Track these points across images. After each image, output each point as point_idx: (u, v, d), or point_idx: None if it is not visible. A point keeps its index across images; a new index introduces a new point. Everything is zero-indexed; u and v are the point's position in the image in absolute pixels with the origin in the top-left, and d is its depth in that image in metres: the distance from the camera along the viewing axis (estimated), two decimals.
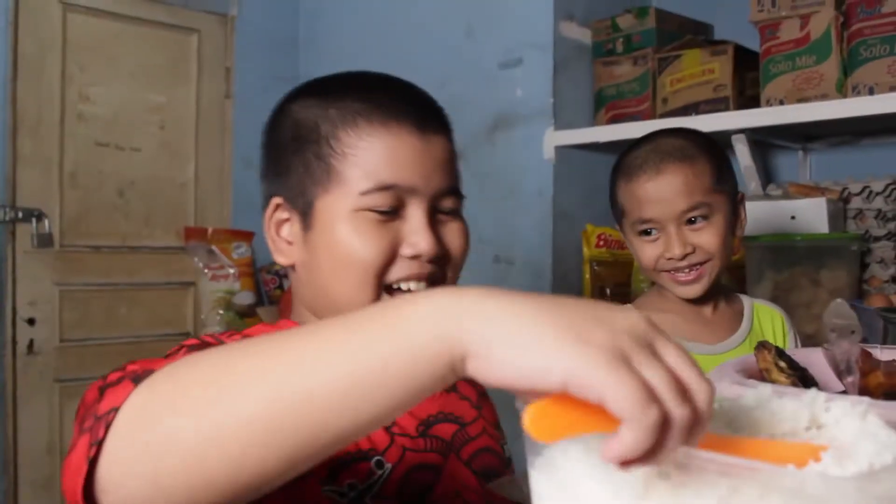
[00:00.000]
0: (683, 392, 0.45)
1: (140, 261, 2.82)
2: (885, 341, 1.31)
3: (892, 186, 1.99)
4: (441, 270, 0.91)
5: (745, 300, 1.45)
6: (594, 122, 2.42)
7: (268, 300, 3.00)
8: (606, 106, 2.38)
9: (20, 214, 2.54)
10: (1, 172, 2.51)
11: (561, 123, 2.38)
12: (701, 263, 1.31)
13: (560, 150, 2.37)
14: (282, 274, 3.03)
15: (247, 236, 3.00)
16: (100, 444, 0.56)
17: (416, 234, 0.88)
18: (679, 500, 0.45)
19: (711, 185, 1.31)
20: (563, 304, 0.48)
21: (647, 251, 1.34)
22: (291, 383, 0.51)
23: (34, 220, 2.55)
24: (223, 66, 3.02)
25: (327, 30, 3.10)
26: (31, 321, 2.57)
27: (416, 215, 0.89)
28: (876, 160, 2.14)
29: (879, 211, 2.00)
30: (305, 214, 0.90)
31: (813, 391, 0.56)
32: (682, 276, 1.32)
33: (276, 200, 0.93)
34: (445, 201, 0.92)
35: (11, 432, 2.53)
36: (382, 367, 0.49)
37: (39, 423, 2.59)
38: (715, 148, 1.37)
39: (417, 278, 0.89)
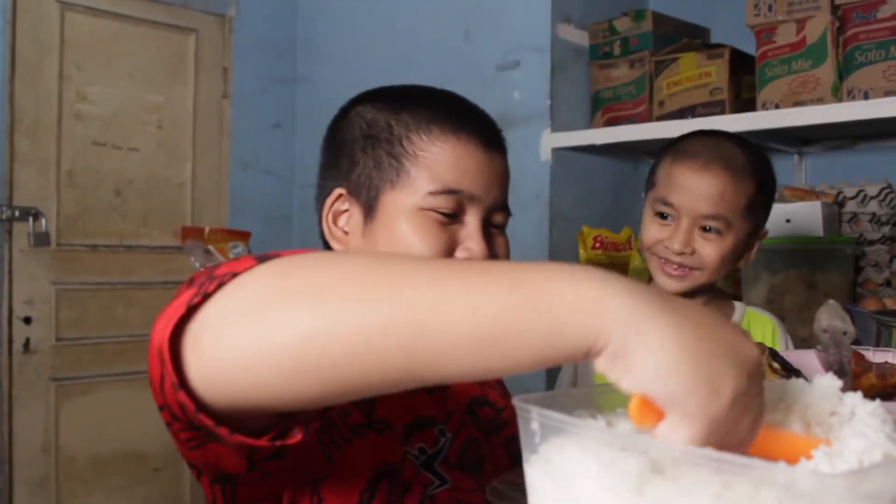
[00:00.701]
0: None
1: (137, 260, 2.83)
2: (877, 344, 1.32)
3: (887, 190, 2.00)
4: None
5: (739, 306, 1.45)
6: (591, 124, 2.43)
7: None
8: (603, 108, 2.39)
9: (17, 213, 2.54)
10: None
11: (558, 125, 2.38)
12: (691, 268, 1.31)
13: (557, 152, 2.37)
14: None
15: (243, 236, 3.00)
16: (206, 297, 0.56)
17: (471, 240, 0.93)
18: (673, 495, 0.45)
19: (742, 208, 1.30)
20: (704, 326, 0.50)
21: (653, 231, 1.34)
22: (427, 307, 0.51)
23: (31, 218, 2.55)
24: (221, 67, 3.03)
25: (325, 31, 3.10)
26: (27, 320, 2.58)
27: (473, 222, 0.94)
28: (871, 164, 2.15)
29: (874, 215, 2.01)
30: (369, 206, 0.94)
31: (820, 376, 0.57)
32: (668, 269, 1.32)
33: (339, 191, 0.97)
34: (497, 215, 0.98)
35: (7, 431, 2.53)
36: (524, 329, 0.50)
37: (35, 423, 2.59)
38: (766, 176, 1.36)
39: None
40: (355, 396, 0.56)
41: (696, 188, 1.29)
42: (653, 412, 0.48)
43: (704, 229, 1.30)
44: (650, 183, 1.39)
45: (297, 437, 0.62)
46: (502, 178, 0.99)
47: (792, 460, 0.46)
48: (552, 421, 0.50)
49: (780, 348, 1.42)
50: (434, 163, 0.92)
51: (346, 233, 0.97)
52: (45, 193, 2.61)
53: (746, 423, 0.49)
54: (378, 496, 0.85)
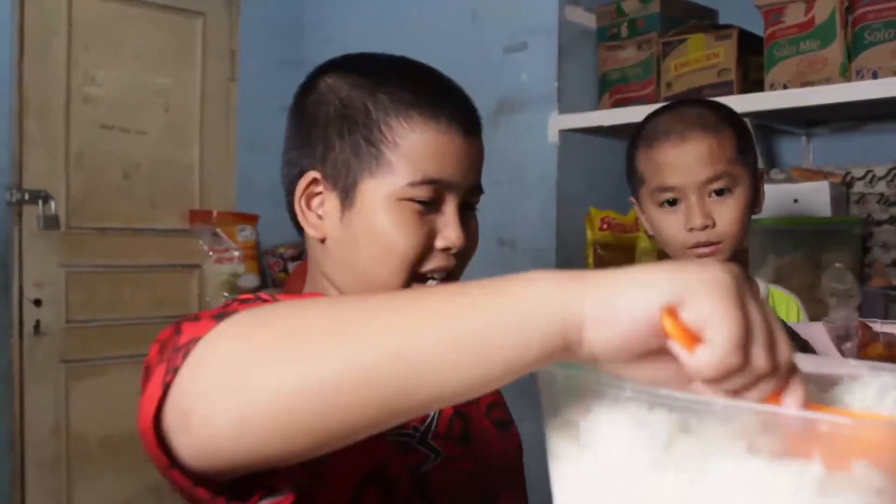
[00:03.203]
0: (772, 344, 0.49)
1: (145, 243, 2.84)
2: (886, 318, 1.33)
3: (895, 171, 2.01)
4: (460, 263, 0.97)
5: (762, 284, 1.43)
6: (598, 106, 2.43)
7: (272, 283, 3.02)
8: (610, 90, 2.39)
9: (27, 196, 2.55)
10: (7, 154, 2.52)
11: (565, 107, 2.39)
12: (717, 243, 1.28)
13: (564, 133, 2.38)
14: (286, 257, 3.04)
15: (251, 219, 3.01)
16: (176, 371, 0.57)
17: (449, 228, 0.93)
18: (702, 450, 0.46)
19: (735, 155, 1.29)
20: (663, 266, 0.50)
21: (670, 223, 1.30)
22: (388, 344, 0.52)
23: (40, 201, 2.56)
24: (228, 50, 3.03)
25: (332, 13, 3.10)
26: (37, 302, 2.59)
27: (450, 210, 0.94)
28: (879, 145, 2.15)
29: (882, 195, 2.02)
30: (347, 193, 0.93)
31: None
32: (702, 251, 1.28)
33: (314, 174, 0.94)
34: (472, 197, 0.98)
35: (18, 412, 2.55)
36: (488, 338, 0.50)
37: (46, 404, 2.61)
38: (737, 119, 1.35)
39: (443, 270, 0.94)
40: (349, 440, 0.56)
41: (686, 159, 1.28)
42: (684, 327, 0.47)
43: (716, 193, 1.28)
44: (636, 181, 1.36)
45: (285, 497, 0.63)
46: (479, 161, 0.98)
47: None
48: (579, 383, 0.51)
49: None
50: (414, 152, 0.91)
51: (320, 217, 0.95)
52: (54, 176, 2.62)
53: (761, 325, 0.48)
54: (366, 497, 0.84)
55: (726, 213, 1.27)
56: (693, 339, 0.47)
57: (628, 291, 0.48)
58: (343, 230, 0.93)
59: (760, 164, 1.39)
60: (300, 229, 0.98)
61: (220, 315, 0.60)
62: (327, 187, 0.94)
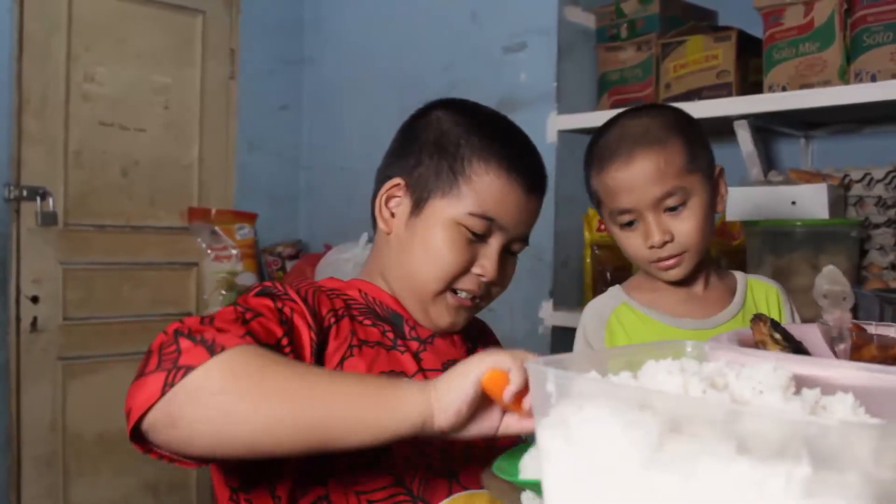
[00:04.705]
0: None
1: (143, 240, 2.84)
2: (881, 321, 1.33)
3: (893, 174, 2.00)
4: (488, 291, 1.16)
5: (740, 276, 1.42)
6: (597, 106, 2.43)
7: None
8: (609, 91, 2.39)
9: (25, 193, 2.55)
10: (6, 151, 2.53)
11: (564, 108, 2.39)
12: (680, 254, 1.28)
13: (563, 134, 2.38)
14: (284, 256, 3.04)
15: (250, 217, 3.01)
16: (173, 385, 0.81)
17: (487, 260, 1.12)
18: (693, 451, 0.46)
19: (684, 165, 1.27)
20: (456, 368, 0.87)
21: (632, 241, 1.31)
22: (312, 414, 0.84)
23: (39, 198, 2.56)
24: (228, 48, 3.03)
25: (332, 13, 3.10)
26: (34, 299, 2.59)
27: (494, 245, 1.12)
28: (877, 148, 2.15)
29: (879, 198, 2.02)
30: (418, 204, 1.12)
31: None
32: (666, 264, 1.29)
33: (398, 180, 1.14)
34: (516, 244, 1.16)
35: (15, 409, 2.55)
36: (383, 425, 0.84)
37: (43, 401, 2.61)
38: (685, 124, 1.32)
39: (471, 292, 1.13)
40: (283, 455, 0.90)
41: (635, 181, 1.26)
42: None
43: (670, 209, 1.27)
44: (595, 201, 1.37)
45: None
46: (532, 217, 1.16)
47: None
48: (571, 382, 0.51)
49: (783, 311, 1.41)
50: (482, 190, 1.10)
51: (392, 214, 1.15)
52: (53, 173, 2.62)
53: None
54: None
55: (684, 226, 1.27)
56: (501, 388, 0.82)
57: (454, 382, 0.84)
58: (406, 232, 1.13)
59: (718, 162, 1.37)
60: (374, 222, 1.19)
61: (211, 348, 0.84)
62: (406, 194, 1.14)
